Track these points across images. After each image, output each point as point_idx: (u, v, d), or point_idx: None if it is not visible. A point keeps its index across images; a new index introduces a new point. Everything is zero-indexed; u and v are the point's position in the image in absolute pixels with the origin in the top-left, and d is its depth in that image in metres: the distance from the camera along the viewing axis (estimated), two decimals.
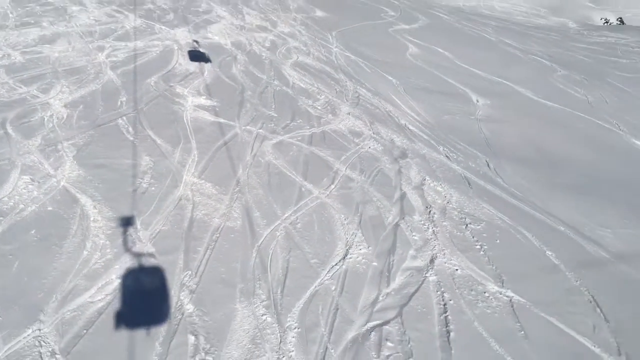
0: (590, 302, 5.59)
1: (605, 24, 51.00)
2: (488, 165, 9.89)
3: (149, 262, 4.67)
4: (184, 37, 12.01)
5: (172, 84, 8.94)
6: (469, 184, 7.76)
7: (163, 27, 12.50)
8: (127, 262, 4.61)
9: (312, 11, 20.33)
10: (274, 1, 19.31)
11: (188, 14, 14.50)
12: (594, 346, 4.91)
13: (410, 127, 9.82)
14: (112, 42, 10.89)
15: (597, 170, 13.11)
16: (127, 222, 5.12)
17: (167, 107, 8.01)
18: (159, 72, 9.43)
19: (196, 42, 12.04)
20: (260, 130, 7.66)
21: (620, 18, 58.56)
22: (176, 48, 11.04)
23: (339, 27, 18.67)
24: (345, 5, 25.13)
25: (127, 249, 4.77)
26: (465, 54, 21.19)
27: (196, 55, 10.93)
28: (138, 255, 4.73)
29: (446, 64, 19.06)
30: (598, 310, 5.49)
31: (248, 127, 7.71)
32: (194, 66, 10.05)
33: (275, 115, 8.37)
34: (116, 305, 4.17)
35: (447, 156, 8.77)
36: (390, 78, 14.28)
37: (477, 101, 15.57)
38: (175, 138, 7.02)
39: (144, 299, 4.28)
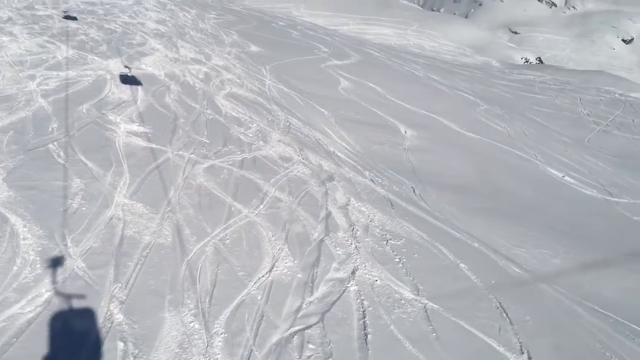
0: (498, 308, 6.10)
1: (526, 63, 54.45)
2: (414, 191, 10.48)
3: (78, 276, 4.81)
4: (117, 67, 12.16)
5: (104, 112, 9.07)
6: (392, 204, 8.26)
7: (96, 58, 12.60)
8: (57, 276, 4.73)
9: (246, 46, 20.84)
10: (209, 36, 19.70)
11: (121, 45, 14.65)
12: (499, 346, 5.39)
13: (339, 154, 10.31)
14: (44, 71, 10.92)
15: (515, 196, 14.05)
16: (57, 239, 5.23)
17: (99, 133, 8.14)
18: (91, 100, 9.55)
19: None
20: (192, 155, 7.91)
21: (539, 58, 62.63)
22: (109, 78, 11.18)
23: (273, 62, 19.21)
24: (279, 41, 25.84)
25: (57, 264, 4.89)
26: (395, 89, 22.20)
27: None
28: (68, 269, 4.86)
29: (376, 97, 19.91)
30: (504, 315, 6.00)
31: (180, 152, 7.95)
32: (126, 95, 10.21)
33: (208, 141, 8.65)
34: (46, 315, 4.29)
35: (372, 180, 9.28)
36: (322, 110, 14.85)
37: (405, 132, 16.37)
38: (106, 162, 7.17)
39: (73, 310, 4.41)
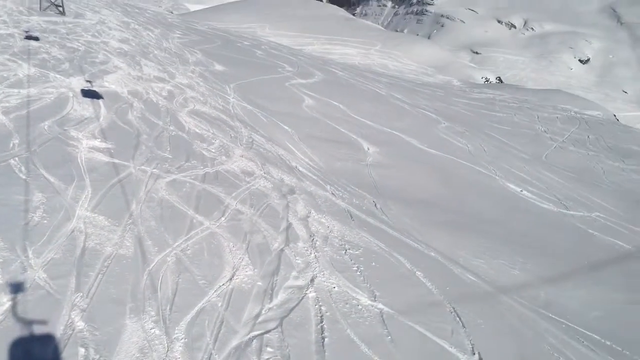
0: (451, 312, 6.36)
1: (486, 82, 56.00)
2: (375, 205, 10.76)
3: (40, 286, 4.88)
4: (79, 85, 12.18)
5: (66, 128, 9.11)
6: (351, 216, 8.50)
7: (58, 76, 12.61)
8: (18, 286, 4.79)
9: (211, 65, 21.02)
10: (173, 55, 19.82)
11: (84, 64, 14.66)
12: (451, 347, 5.63)
13: (301, 169, 10.54)
14: (4, 89, 10.88)
15: (475, 210, 14.48)
16: (18, 251, 5.28)
17: (61, 149, 8.19)
18: (53, 117, 9.57)
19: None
20: (155, 170, 8.02)
21: (499, 77, 64.59)
22: (71, 95, 11.20)
23: (237, 80, 19.43)
24: (244, 60, 26.11)
25: (18, 274, 4.95)
26: (358, 107, 22.62)
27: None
28: (29, 280, 4.92)
29: (340, 115, 20.26)
30: (458, 319, 6.26)
31: (143, 167, 8.05)
32: (89, 112, 10.26)
33: (170, 156, 8.77)
34: (8, 324, 4.35)
35: (333, 193, 9.52)
36: (286, 127, 15.09)
37: (368, 149, 16.73)
38: (68, 177, 7.23)
39: (35, 319, 4.48)
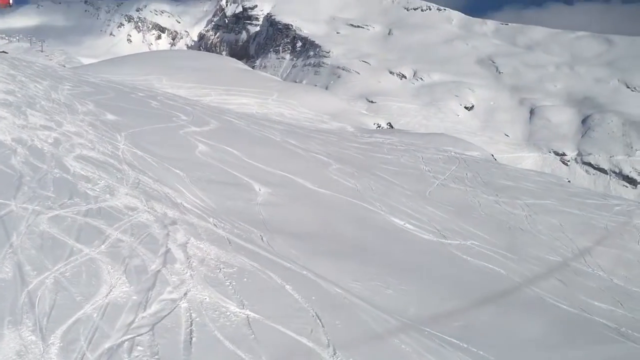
0: (313, 316, 7.23)
1: (378, 127, 59.52)
2: (262, 238, 11.55)
3: None
4: None
5: None
6: (230, 242, 9.26)
7: None
8: None
9: (102, 115, 21.22)
10: (62, 105, 19.90)
11: None
12: (309, 342, 6.47)
13: (186, 205, 11.19)
14: None
15: (358, 241, 15.64)
16: None
17: None
18: None
19: None
20: (37, 207, 8.40)
21: (389, 123, 68.85)
22: None
23: (129, 129, 19.76)
24: (138, 110, 26.42)
25: None
26: (251, 152, 23.52)
27: None
28: None
29: (234, 160, 21.07)
30: (318, 321, 7.13)
31: (24, 205, 8.40)
32: None
33: (53, 195, 9.16)
34: None
35: (215, 225, 10.24)
36: (177, 171, 15.66)
37: (259, 189, 17.59)
38: None
39: None
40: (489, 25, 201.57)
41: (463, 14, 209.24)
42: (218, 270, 7.69)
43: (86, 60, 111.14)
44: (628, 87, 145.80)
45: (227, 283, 7.36)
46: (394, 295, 11.16)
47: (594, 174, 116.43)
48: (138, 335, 5.54)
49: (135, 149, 16.40)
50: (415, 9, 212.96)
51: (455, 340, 9.09)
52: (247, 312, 6.68)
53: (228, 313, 6.52)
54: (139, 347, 5.35)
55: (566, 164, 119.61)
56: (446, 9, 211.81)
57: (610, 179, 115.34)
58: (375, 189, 23.62)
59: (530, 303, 14.76)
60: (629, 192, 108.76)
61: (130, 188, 10.86)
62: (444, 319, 10.62)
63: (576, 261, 21.21)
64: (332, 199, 19.92)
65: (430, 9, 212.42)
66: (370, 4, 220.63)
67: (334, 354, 6.34)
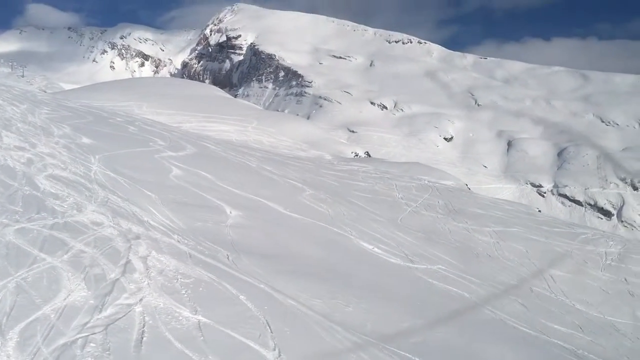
0: (263, 323, 7.70)
1: (356, 156, 60.46)
2: (228, 257, 11.98)
3: None
4: None
5: None
6: (190, 256, 9.71)
7: None
8: None
9: (78, 138, 21.61)
10: (38, 128, 20.29)
11: None
12: (256, 344, 6.94)
13: (152, 223, 11.64)
14: None
15: (326, 263, 16.12)
16: None
17: None
18: None
19: None
20: (4, 220, 8.82)
21: (367, 152, 69.87)
22: None
23: (104, 152, 20.14)
24: (115, 135, 26.82)
25: None
26: (226, 177, 23.98)
27: None
28: None
29: (207, 184, 21.49)
30: (267, 327, 7.61)
31: None
32: None
33: (21, 210, 9.58)
34: None
35: (178, 241, 10.69)
36: (149, 193, 16.06)
37: (230, 212, 18.02)
38: None
39: None
40: (468, 58, 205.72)
41: (443, 48, 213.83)
42: (175, 280, 8.15)
43: (68, 86, 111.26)
44: (603, 122, 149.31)
45: (183, 292, 7.81)
46: (353, 312, 11.61)
47: (569, 206, 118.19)
48: (92, 334, 5.98)
49: (108, 171, 16.79)
50: (396, 42, 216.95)
51: (408, 355, 9.54)
52: (199, 317, 7.14)
53: (180, 317, 6.98)
54: (91, 344, 5.78)
55: (543, 196, 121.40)
56: (427, 42, 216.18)
57: (585, 210, 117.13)
58: (347, 215, 24.17)
59: (490, 324, 15.31)
60: (603, 223, 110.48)
61: (98, 205, 11.29)
62: (401, 335, 11.06)
63: (539, 286, 21.90)
64: (302, 223, 20.40)
65: (411, 42, 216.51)
66: (353, 36, 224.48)
67: (279, 356, 6.80)
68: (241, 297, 8.41)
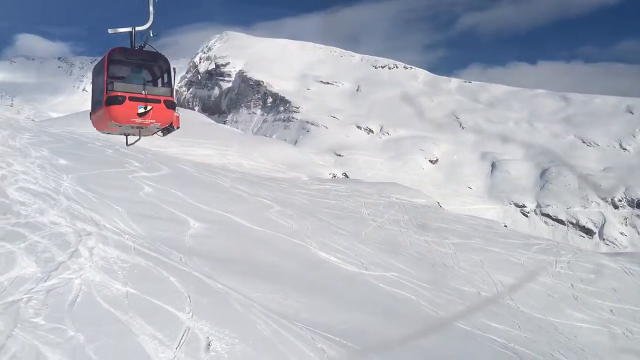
0: (185, 296, 9.35)
1: (333, 177, 62.48)
2: (181, 259, 13.57)
3: None
4: None
5: None
6: (134, 249, 11.39)
7: None
8: None
9: (55, 160, 23.23)
10: (16, 150, 21.96)
11: None
12: (173, 309, 8.60)
13: (108, 226, 13.31)
14: None
15: (279, 268, 17.75)
16: None
17: None
18: None
19: None
20: None
21: (345, 173, 71.90)
22: None
23: (78, 172, 21.69)
24: (91, 157, 28.43)
25: None
26: (196, 195, 25.50)
27: None
28: None
29: (176, 200, 22.96)
30: (188, 299, 9.25)
31: None
32: None
33: None
34: None
35: (127, 239, 12.37)
36: (117, 207, 17.61)
37: (193, 224, 19.52)
38: None
39: None
40: (453, 82, 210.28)
41: (429, 72, 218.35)
42: (115, 265, 9.84)
43: (57, 115, 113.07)
44: (584, 142, 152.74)
45: (119, 272, 9.51)
46: (290, 304, 13.15)
47: (552, 225, 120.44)
48: (35, 295, 7.65)
49: (78, 187, 18.39)
50: (383, 67, 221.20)
51: (332, 336, 10.98)
52: (128, 288, 8.82)
53: (112, 288, 8.67)
54: (33, 301, 7.46)
55: (526, 215, 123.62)
56: (413, 67, 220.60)
57: (568, 229, 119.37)
58: (310, 228, 25.77)
59: (426, 320, 16.93)
60: (585, 242, 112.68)
61: (60, 211, 12.99)
62: (332, 323, 12.47)
63: (488, 291, 23.58)
64: (264, 235, 21.97)
65: (397, 67, 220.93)
66: (340, 62, 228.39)
67: (192, 317, 8.48)
68: (172, 278, 10.09)
